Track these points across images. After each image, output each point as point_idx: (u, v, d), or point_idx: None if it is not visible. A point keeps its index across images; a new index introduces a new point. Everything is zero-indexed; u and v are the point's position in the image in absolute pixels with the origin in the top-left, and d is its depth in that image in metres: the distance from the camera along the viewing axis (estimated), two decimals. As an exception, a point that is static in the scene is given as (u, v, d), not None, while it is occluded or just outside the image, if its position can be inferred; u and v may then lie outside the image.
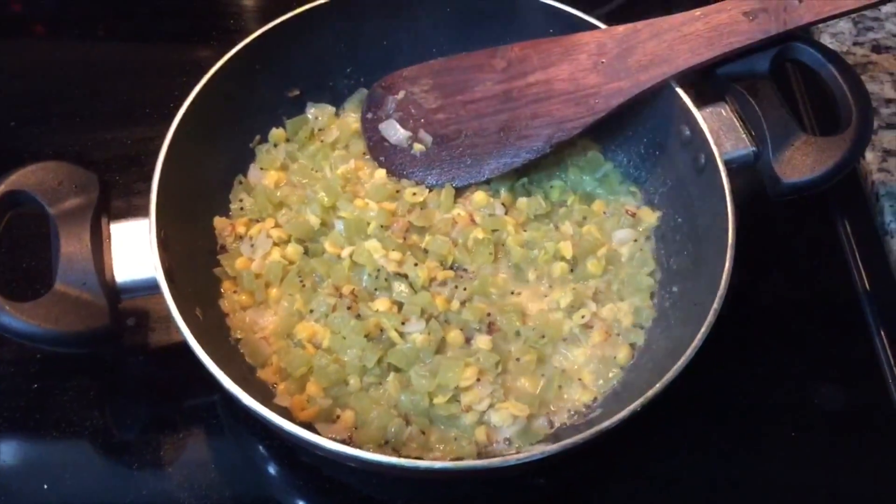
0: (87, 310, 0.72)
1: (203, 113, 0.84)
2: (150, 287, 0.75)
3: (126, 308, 0.78)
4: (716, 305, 0.72)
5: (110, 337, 0.74)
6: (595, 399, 0.80)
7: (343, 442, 0.74)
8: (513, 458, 0.68)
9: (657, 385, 0.69)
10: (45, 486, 0.79)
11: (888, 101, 1.02)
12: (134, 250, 0.76)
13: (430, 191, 0.91)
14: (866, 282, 0.93)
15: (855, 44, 1.08)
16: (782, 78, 0.89)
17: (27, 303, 0.71)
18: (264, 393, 0.78)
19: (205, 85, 0.85)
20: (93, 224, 0.75)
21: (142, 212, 0.78)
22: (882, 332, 0.89)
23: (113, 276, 0.75)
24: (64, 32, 1.19)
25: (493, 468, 0.69)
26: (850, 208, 0.98)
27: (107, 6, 1.20)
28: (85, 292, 0.72)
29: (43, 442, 0.83)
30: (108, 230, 0.77)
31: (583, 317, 0.83)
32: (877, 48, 1.07)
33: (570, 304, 0.83)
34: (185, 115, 0.83)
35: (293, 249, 0.86)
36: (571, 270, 0.86)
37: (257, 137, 0.94)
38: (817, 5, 0.81)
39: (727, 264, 0.75)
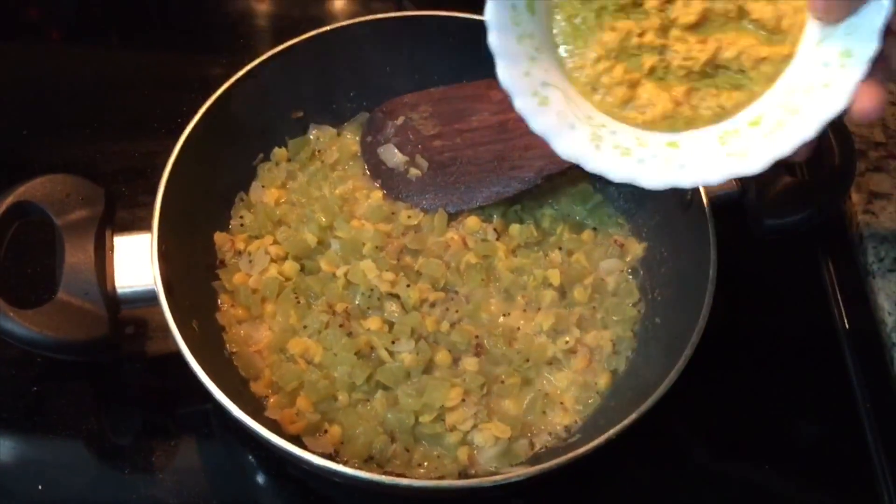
0: (88, 319, 0.75)
1: (209, 131, 0.87)
2: (150, 298, 0.77)
3: (125, 317, 0.80)
4: (693, 339, 0.75)
5: (109, 346, 0.77)
6: (575, 422, 0.83)
7: (329, 456, 0.77)
8: (490, 480, 0.71)
9: (633, 414, 0.71)
10: (40, 487, 0.81)
11: (877, 145, 1.04)
12: (135, 262, 0.78)
13: (425, 214, 0.93)
14: (846, 321, 0.95)
15: (847, 86, 1.10)
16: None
17: (30, 310, 0.74)
18: (256, 405, 0.81)
19: (212, 103, 0.88)
20: (97, 236, 0.78)
21: (145, 224, 0.81)
22: (858, 370, 0.91)
23: (114, 287, 0.77)
24: (79, 40, 1.22)
25: (474, 488, 0.72)
26: (834, 248, 1.00)
27: (120, 17, 1.23)
28: (87, 302, 0.75)
29: (40, 443, 0.85)
30: (112, 242, 0.79)
31: (567, 342, 0.85)
32: (868, 91, 1.10)
33: (552, 326, 0.85)
34: (191, 132, 0.85)
35: (290, 266, 0.88)
36: (563, 298, 0.88)
37: (260, 156, 0.97)
38: None
39: (706, 300, 0.77)
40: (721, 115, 0.66)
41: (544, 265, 0.89)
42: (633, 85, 0.68)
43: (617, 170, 0.68)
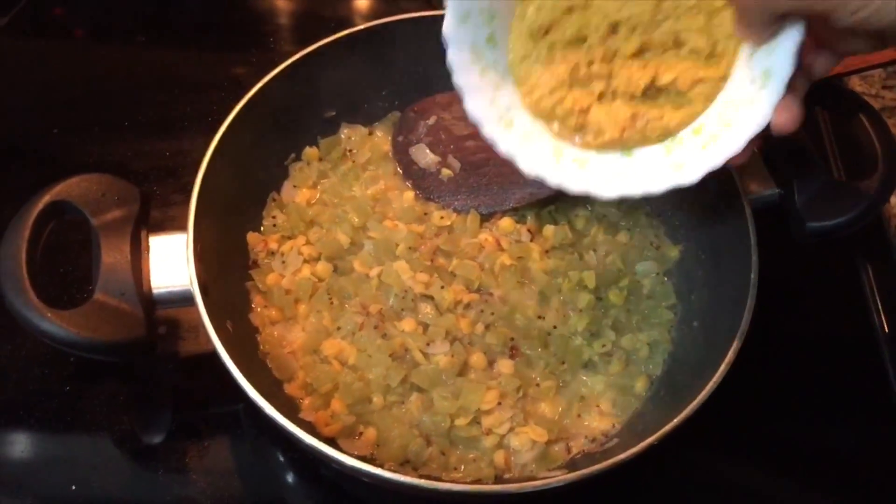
0: (125, 320, 0.75)
1: (242, 130, 0.87)
2: (185, 299, 0.77)
3: (158, 317, 0.80)
4: (735, 345, 0.74)
5: (145, 347, 0.77)
6: (612, 427, 0.82)
7: (364, 459, 0.76)
8: (529, 485, 0.70)
9: (674, 420, 0.70)
10: (73, 487, 0.82)
11: (915, 146, 1.02)
12: (171, 263, 0.78)
13: (458, 215, 0.92)
14: (885, 325, 0.94)
15: (884, 87, 1.09)
16: (811, 121, 0.90)
17: (68, 311, 0.73)
18: (290, 407, 0.80)
19: (245, 103, 0.87)
20: (133, 236, 0.78)
21: (178, 223, 0.80)
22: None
23: (150, 288, 0.77)
24: (105, 38, 1.22)
25: (512, 493, 0.71)
26: (873, 251, 0.99)
27: (148, 15, 1.24)
28: (123, 302, 0.75)
29: (72, 443, 0.85)
30: (147, 242, 0.79)
31: (603, 345, 0.84)
32: (905, 92, 1.09)
33: (587, 329, 0.84)
34: (225, 132, 0.85)
35: (323, 267, 0.88)
36: (598, 300, 0.87)
37: (292, 156, 0.96)
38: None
39: (748, 304, 0.76)
40: (667, 135, 0.72)
41: (579, 267, 0.88)
42: (585, 111, 0.73)
43: (574, 182, 0.75)
